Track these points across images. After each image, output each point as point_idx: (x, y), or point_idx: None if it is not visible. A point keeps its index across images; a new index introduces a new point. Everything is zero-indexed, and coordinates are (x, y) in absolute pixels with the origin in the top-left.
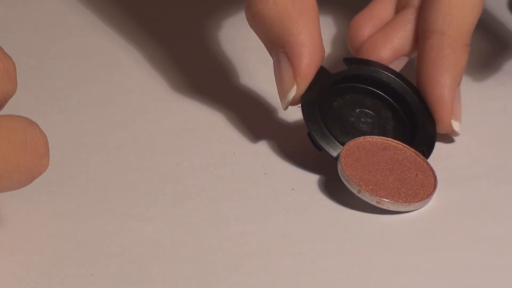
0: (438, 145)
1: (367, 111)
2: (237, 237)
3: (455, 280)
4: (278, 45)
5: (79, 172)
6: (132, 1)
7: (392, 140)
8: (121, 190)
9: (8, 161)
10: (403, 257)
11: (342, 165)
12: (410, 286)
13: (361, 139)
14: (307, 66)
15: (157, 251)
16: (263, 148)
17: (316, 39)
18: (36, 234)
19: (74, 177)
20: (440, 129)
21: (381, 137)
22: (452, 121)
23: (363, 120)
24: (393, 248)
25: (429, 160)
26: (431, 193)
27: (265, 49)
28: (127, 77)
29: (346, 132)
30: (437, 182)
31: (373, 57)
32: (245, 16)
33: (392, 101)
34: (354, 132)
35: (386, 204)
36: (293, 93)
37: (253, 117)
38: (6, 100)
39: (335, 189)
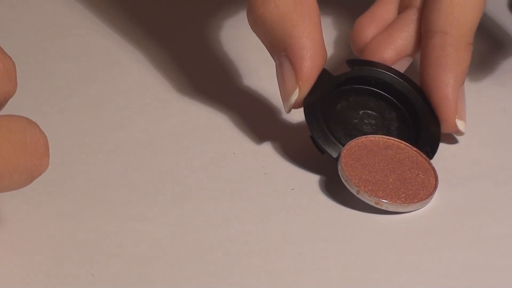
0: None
1: (371, 112)
2: (237, 237)
3: (455, 280)
4: (280, 49)
5: (79, 172)
6: (132, 1)
7: (395, 139)
8: (121, 190)
9: (8, 161)
10: (403, 257)
11: (342, 165)
12: (410, 286)
13: (363, 138)
14: (309, 69)
15: (157, 251)
16: (263, 148)
17: (318, 42)
18: (36, 234)
19: (74, 177)
20: (445, 128)
21: (383, 136)
22: (457, 120)
23: (367, 121)
24: (393, 248)
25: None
26: (431, 194)
27: (266, 49)
28: (127, 77)
29: (349, 134)
30: (438, 182)
31: (376, 58)
32: (245, 16)
33: (396, 102)
34: (357, 134)
35: (384, 205)
36: (295, 96)
37: (253, 117)
38: (6, 100)
39: (335, 189)
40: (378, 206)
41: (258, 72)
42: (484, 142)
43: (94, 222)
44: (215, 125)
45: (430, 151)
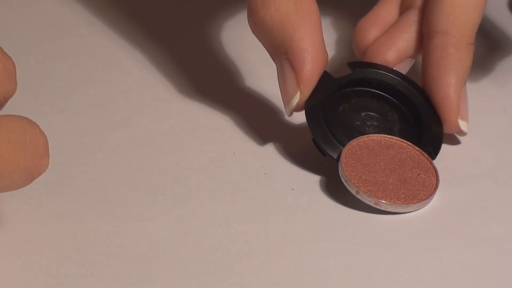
0: None
1: (373, 114)
2: (237, 237)
3: (455, 280)
4: (281, 52)
5: (79, 172)
6: (132, 2)
7: (397, 138)
8: (121, 190)
9: (8, 161)
10: (403, 257)
11: (342, 165)
12: (410, 286)
13: (364, 137)
14: (310, 72)
15: (157, 251)
16: (263, 148)
17: (318, 45)
18: (36, 234)
19: (74, 177)
20: (447, 129)
21: (385, 135)
22: (459, 120)
23: (369, 123)
24: (393, 248)
25: None
26: (431, 194)
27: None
28: (127, 77)
29: (351, 136)
30: (439, 182)
31: (378, 60)
32: (245, 16)
33: (398, 103)
34: (359, 136)
35: (384, 205)
36: (296, 99)
37: (253, 117)
38: (6, 100)
39: (335, 189)
40: (377, 207)
41: (259, 72)
42: (484, 142)
43: (94, 222)
44: (215, 125)
45: (432, 151)
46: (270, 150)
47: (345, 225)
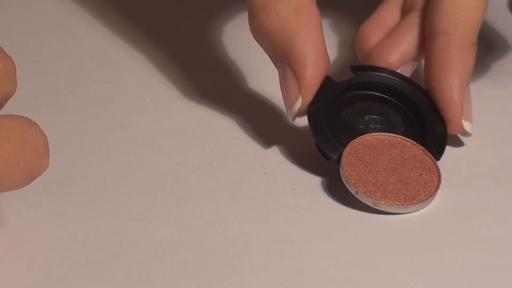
0: None
1: (376, 117)
2: (237, 237)
3: (455, 280)
4: (282, 57)
5: (79, 172)
6: (132, 2)
7: (401, 137)
8: (121, 190)
9: (8, 161)
10: (403, 257)
11: (343, 164)
12: (410, 286)
13: (367, 136)
14: (311, 77)
15: (157, 251)
16: (263, 148)
17: (319, 49)
18: (36, 234)
19: (74, 177)
20: (451, 130)
21: (389, 134)
22: (463, 121)
23: (373, 126)
24: (393, 248)
25: None
26: (432, 195)
27: None
28: (127, 77)
29: None
30: (440, 182)
31: (381, 63)
32: (246, 16)
33: (401, 105)
34: None
35: (382, 206)
36: (298, 104)
37: (253, 117)
38: (6, 99)
39: (335, 189)
40: (376, 207)
41: (259, 72)
42: (484, 142)
43: (94, 222)
44: (215, 125)
45: (437, 152)
46: (270, 150)
47: (345, 225)
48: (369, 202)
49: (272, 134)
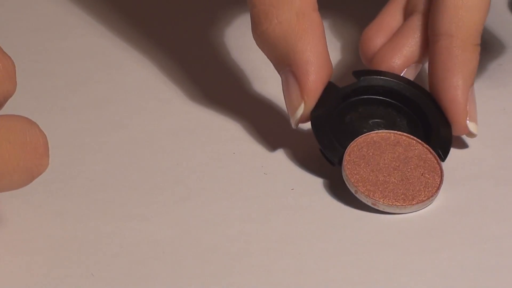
0: None
1: (381, 121)
2: (237, 237)
3: (455, 280)
4: (285, 64)
5: (79, 172)
6: (132, 2)
7: (407, 135)
8: (121, 190)
9: (8, 161)
10: (403, 257)
11: (345, 163)
12: (410, 286)
13: (373, 133)
14: (314, 83)
15: (157, 251)
16: (263, 148)
17: (322, 55)
18: (36, 234)
19: (74, 177)
20: (456, 131)
21: (396, 131)
22: (468, 122)
23: (377, 130)
24: (393, 248)
25: None
26: (432, 196)
27: None
28: (127, 77)
29: None
30: (442, 183)
31: (384, 67)
32: (248, 16)
33: (405, 108)
34: None
35: (381, 206)
36: (301, 110)
37: (253, 117)
38: (5, 99)
39: (335, 189)
40: (375, 207)
41: (260, 72)
42: (484, 142)
43: (94, 222)
44: (215, 125)
45: (442, 153)
46: (270, 150)
47: (345, 225)
48: (368, 202)
49: (272, 134)
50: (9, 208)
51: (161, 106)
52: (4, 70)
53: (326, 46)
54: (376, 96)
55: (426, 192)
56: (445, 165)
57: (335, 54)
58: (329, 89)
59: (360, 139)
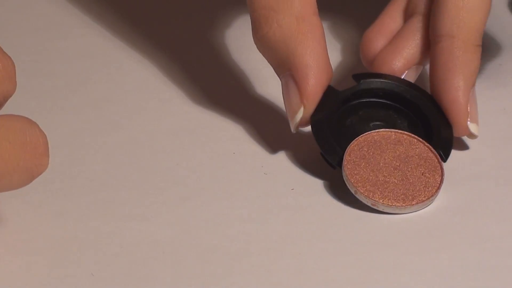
0: None
1: (381, 123)
2: (237, 237)
3: (455, 280)
4: (284, 68)
5: (79, 172)
6: (132, 2)
7: (409, 134)
8: (121, 190)
9: (8, 161)
10: (403, 257)
11: (345, 163)
12: (410, 286)
13: (373, 132)
14: (313, 87)
15: (157, 251)
16: (263, 148)
17: (321, 59)
18: (36, 234)
19: (74, 177)
20: (457, 132)
21: (397, 130)
22: (469, 123)
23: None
24: (393, 248)
25: None
26: (432, 196)
27: None
28: (127, 77)
29: None
30: (442, 183)
31: (385, 69)
32: (248, 17)
33: (405, 110)
34: None
35: (381, 206)
36: (300, 115)
37: (253, 117)
38: (5, 99)
39: (335, 189)
40: (375, 207)
41: (260, 72)
42: (484, 142)
43: (94, 222)
44: (215, 125)
45: (443, 154)
46: (270, 150)
47: (345, 225)
48: (367, 202)
49: (272, 134)
50: (9, 208)
51: (161, 106)
52: (4, 70)
53: (326, 50)
54: (376, 99)
55: (426, 192)
56: (445, 165)
57: (335, 55)
58: (329, 93)
59: (360, 138)
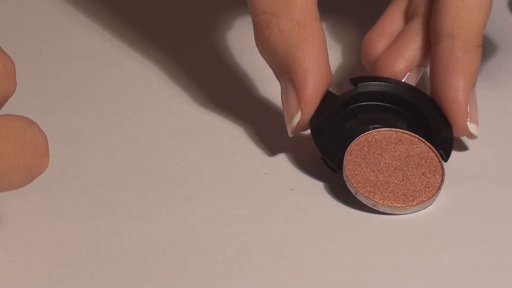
0: None
1: (381, 126)
2: (237, 237)
3: (455, 280)
4: (284, 72)
5: (78, 172)
6: (132, 2)
7: (410, 133)
8: (121, 190)
9: (8, 161)
10: (403, 257)
11: (346, 163)
12: (410, 286)
13: (374, 132)
14: (311, 91)
15: (157, 251)
16: (263, 148)
17: (321, 64)
18: (36, 234)
19: (74, 177)
20: (457, 132)
21: (398, 129)
22: (468, 123)
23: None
24: (393, 248)
25: None
26: (432, 196)
27: None
28: (127, 77)
29: None
30: (443, 183)
31: (387, 72)
32: (249, 18)
33: (404, 112)
34: None
35: (381, 207)
36: (297, 119)
37: (253, 117)
38: (5, 99)
39: (335, 189)
40: (375, 208)
41: (260, 72)
42: (484, 142)
43: (94, 222)
44: (215, 125)
45: (444, 154)
46: (270, 150)
47: (346, 225)
48: (368, 203)
49: (272, 134)
50: (9, 208)
51: (161, 106)
52: (4, 70)
53: (327, 55)
54: (375, 102)
55: (426, 193)
56: (445, 165)
57: (334, 57)
58: (327, 98)
59: (361, 138)
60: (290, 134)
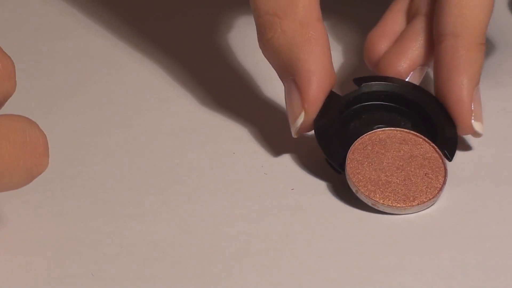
0: None
1: (385, 126)
2: (237, 237)
3: (455, 280)
4: (288, 73)
5: (78, 172)
6: (132, 3)
7: (414, 133)
8: (121, 190)
9: (8, 161)
10: (403, 257)
11: (348, 161)
12: (410, 286)
13: (379, 131)
14: (315, 92)
15: (157, 251)
16: (263, 148)
17: (324, 65)
18: (36, 234)
19: (74, 177)
20: (461, 131)
21: (403, 129)
22: (473, 121)
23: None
24: (393, 248)
25: None
26: (434, 197)
27: None
28: (127, 77)
29: None
30: (445, 184)
31: (390, 72)
32: (249, 17)
33: (408, 111)
34: None
35: (381, 207)
36: (301, 120)
37: (253, 117)
38: (5, 99)
39: (336, 189)
40: (375, 207)
41: (260, 72)
42: (484, 142)
43: (94, 222)
44: (215, 125)
45: (448, 153)
46: (270, 150)
47: (346, 225)
48: (368, 202)
49: (273, 134)
50: (9, 208)
51: (161, 106)
52: (4, 70)
53: (330, 56)
54: (378, 101)
55: (427, 194)
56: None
57: (336, 56)
58: (331, 98)
59: (365, 137)
60: (294, 135)
